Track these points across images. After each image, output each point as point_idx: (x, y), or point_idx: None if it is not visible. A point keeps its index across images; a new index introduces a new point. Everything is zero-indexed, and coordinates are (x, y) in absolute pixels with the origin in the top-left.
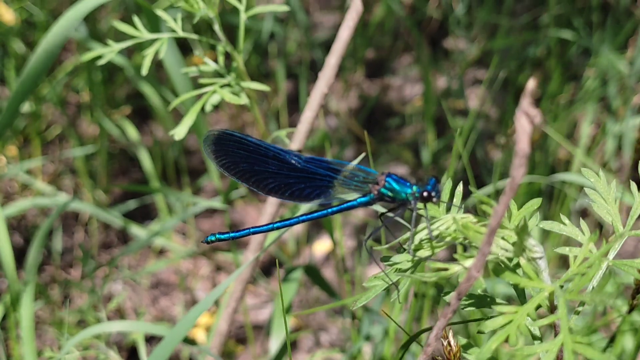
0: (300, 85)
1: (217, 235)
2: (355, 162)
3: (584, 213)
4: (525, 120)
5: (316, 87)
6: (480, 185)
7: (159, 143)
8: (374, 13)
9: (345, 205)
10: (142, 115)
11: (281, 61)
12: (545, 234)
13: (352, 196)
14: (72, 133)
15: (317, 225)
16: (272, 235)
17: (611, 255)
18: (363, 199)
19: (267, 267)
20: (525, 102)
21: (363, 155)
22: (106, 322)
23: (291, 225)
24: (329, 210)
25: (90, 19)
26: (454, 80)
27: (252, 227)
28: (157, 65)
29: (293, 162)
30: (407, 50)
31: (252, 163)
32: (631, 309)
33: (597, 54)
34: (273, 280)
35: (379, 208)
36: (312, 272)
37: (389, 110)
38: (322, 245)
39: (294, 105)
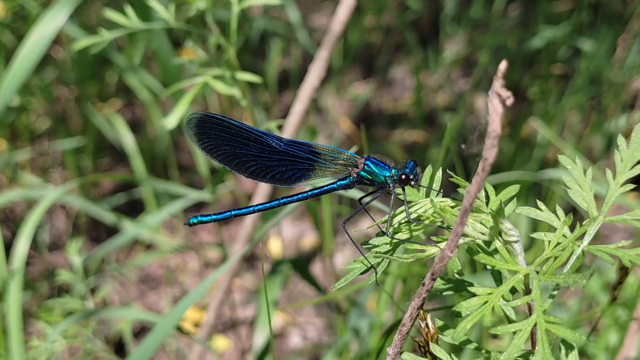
0: (291, 84)
1: (200, 218)
2: (354, 149)
3: (573, 212)
4: (497, 102)
5: (307, 79)
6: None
7: (147, 138)
8: (365, 12)
9: (325, 188)
10: (133, 110)
11: (272, 58)
12: (534, 227)
13: (332, 179)
14: (60, 127)
15: (306, 220)
16: (261, 227)
17: (586, 241)
18: (343, 182)
19: (253, 262)
20: (497, 84)
21: (356, 148)
22: (94, 309)
23: (272, 207)
24: (309, 192)
25: (80, 11)
26: (444, 78)
27: (234, 210)
28: (147, 59)
29: (274, 144)
30: (398, 49)
31: (234, 146)
32: (613, 300)
33: (586, 53)
34: (260, 274)
35: (355, 193)
36: (299, 266)
37: (380, 108)
38: (309, 240)
39: (286, 105)
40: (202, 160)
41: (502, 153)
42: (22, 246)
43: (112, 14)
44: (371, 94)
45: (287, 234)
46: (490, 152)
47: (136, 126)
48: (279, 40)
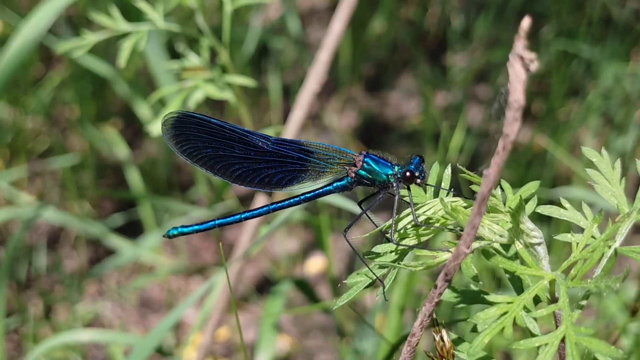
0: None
1: (180, 229)
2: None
3: None
4: (520, 66)
5: (306, 84)
6: None
7: (149, 157)
8: (372, 27)
9: (320, 190)
10: (134, 130)
11: (276, 74)
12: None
13: (327, 181)
14: (59, 147)
15: (312, 241)
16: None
17: (618, 242)
18: (340, 183)
19: (260, 285)
20: (520, 45)
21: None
22: (73, 330)
23: (261, 214)
24: (302, 197)
25: (79, 23)
26: (453, 96)
27: (218, 219)
28: (148, 77)
29: (260, 144)
30: (405, 65)
31: (216, 148)
32: (633, 313)
33: (599, 67)
34: (265, 297)
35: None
36: (303, 286)
37: (387, 125)
38: (316, 263)
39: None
40: (200, 173)
41: (510, 171)
42: (5, 263)
43: (95, 15)
44: (378, 111)
45: (291, 247)
46: (512, 127)
47: (138, 145)
48: (284, 56)
